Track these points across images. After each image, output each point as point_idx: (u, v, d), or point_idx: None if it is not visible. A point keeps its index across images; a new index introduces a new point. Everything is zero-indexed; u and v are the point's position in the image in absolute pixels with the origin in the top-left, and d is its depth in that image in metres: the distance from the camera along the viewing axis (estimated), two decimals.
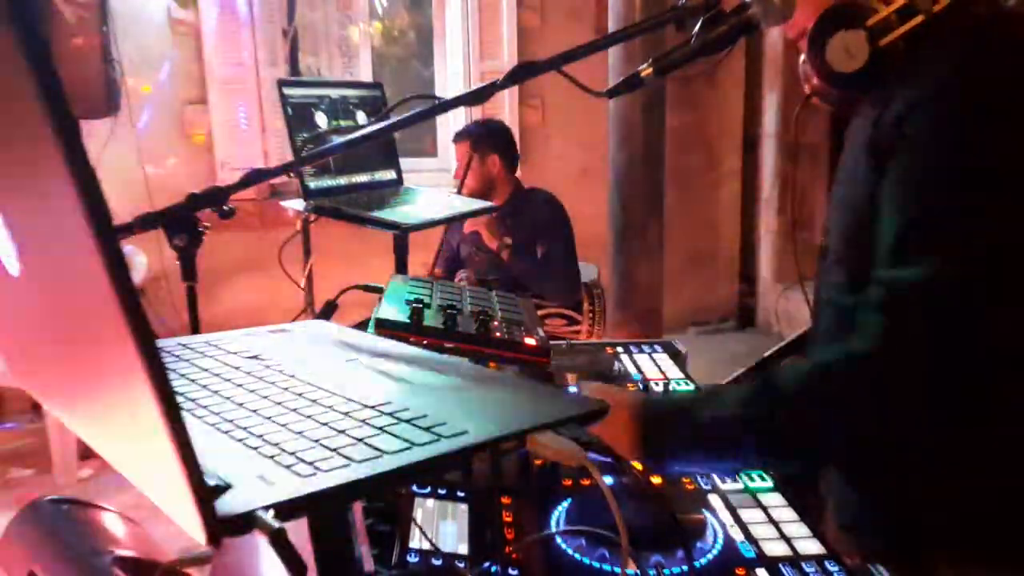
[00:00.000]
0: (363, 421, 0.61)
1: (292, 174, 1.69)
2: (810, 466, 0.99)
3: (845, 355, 0.86)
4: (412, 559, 0.73)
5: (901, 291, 0.83)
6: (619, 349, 1.35)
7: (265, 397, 0.68)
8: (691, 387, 1.17)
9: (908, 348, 0.83)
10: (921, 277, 0.82)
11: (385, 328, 1.02)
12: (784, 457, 0.90)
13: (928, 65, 0.88)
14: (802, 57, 1.03)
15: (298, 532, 0.53)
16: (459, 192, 2.73)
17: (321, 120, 1.77)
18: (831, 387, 0.86)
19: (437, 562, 0.73)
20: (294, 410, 0.64)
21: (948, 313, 0.82)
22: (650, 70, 1.02)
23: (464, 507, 0.82)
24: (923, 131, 0.85)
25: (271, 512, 0.47)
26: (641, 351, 1.35)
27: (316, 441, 0.57)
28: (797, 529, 0.82)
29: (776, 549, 0.79)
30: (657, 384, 1.18)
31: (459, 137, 3.07)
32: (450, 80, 4.40)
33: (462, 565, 0.73)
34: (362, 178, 1.89)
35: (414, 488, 0.84)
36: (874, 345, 0.84)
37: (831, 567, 0.76)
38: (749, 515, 0.85)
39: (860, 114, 0.98)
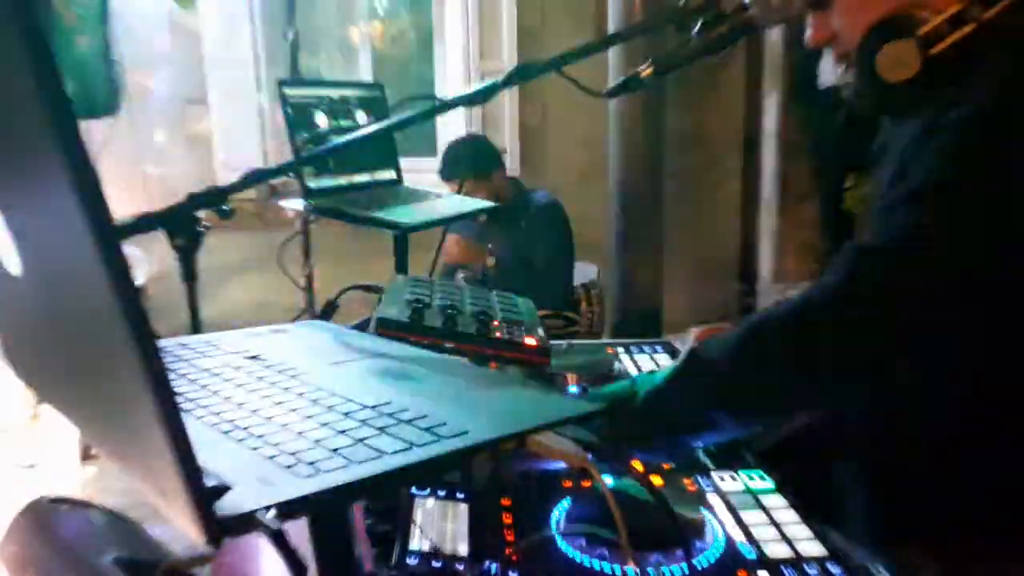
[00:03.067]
0: (363, 421, 0.61)
1: (292, 174, 1.69)
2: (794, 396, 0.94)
3: (855, 249, 0.87)
4: (412, 559, 0.73)
5: (920, 191, 0.85)
6: (619, 349, 1.35)
7: (265, 397, 0.68)
8: None
9: (926, 243, 0.83)
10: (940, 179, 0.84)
11: (385, 328, 1.02)
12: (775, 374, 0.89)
13: (982, 76, 0.87)
14: (827, 64, 1.01)
15: (298, 532, 0.53)
16: None
17: (321, 120, 1.77)
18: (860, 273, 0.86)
19: (437, 563, 0.73)
20: (294, 410, 0.64)
21: (967, 218, 0.83)
22: (650, 70, 1.03)
23: (464, 507, 0.82)
24: (970, 147, 0.85)
25: (271, 512, 0.47)
26: (641, 351, 1.35)
27: (316, 441, 0.57)
28: (797, 530, 0.82)
29: (776, 550, 0.79)
30: None
31: (451, 175, 2.89)
32: (450, 80, 4.40)
33: (462, 566, 0.73)
34: (362, 178, 1.89)
35: (414, 488, 0.84)
36: (892, 238, 0.85)
37: (833, 568, 0.76)
38: (749, 516, 0.85)
39: (906, 124, 0.96)
